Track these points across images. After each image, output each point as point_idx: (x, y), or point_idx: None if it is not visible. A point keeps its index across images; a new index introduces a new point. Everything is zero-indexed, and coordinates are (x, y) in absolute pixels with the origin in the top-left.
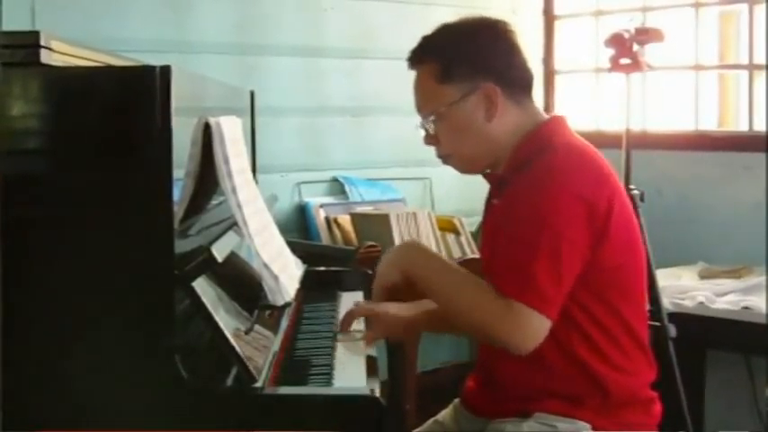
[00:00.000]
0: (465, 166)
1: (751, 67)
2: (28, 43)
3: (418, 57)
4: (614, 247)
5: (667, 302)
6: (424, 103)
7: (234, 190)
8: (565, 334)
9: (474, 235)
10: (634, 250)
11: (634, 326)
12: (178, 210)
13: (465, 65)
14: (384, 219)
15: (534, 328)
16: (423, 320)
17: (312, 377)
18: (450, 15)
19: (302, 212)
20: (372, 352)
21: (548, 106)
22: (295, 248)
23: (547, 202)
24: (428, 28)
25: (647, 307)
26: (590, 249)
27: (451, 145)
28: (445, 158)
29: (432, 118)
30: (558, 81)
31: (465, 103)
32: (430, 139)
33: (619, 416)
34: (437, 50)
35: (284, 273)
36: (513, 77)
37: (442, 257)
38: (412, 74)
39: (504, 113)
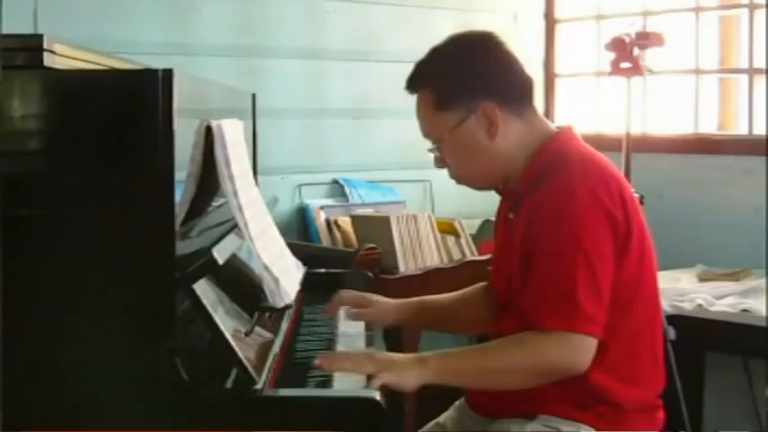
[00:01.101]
0: (478, 183)
1: (751, 71)
2: (31, 46)
3: (414, 85)
4: (633, 259)
5: (666, 305)
6: (428, 129)
7: (235, 193)
8: None
9: (474, 237)
10: (648, 261)
11: (649, 336)
12: (179, 212)
13: (459, 90)
14: (384, 221)
15: (588, 349)
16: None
17: (312, 379)
18: (450, 18)
19: (302, 214)
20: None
21: (548, 110)
22: (295, 250)
23: (575, 221)
24: (428, 31)
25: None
26: (616, 262)
27: (460, 167)
28: (457, 179)
29: (437, 146)
30: (559, 85)
31: (465, 126)
32: (441, 163)
33: (624, 423)
34: (430, 79)
35: (285, 275)
36: (510, 91)
37: (457, 352)
38: None
39: (507, 128)
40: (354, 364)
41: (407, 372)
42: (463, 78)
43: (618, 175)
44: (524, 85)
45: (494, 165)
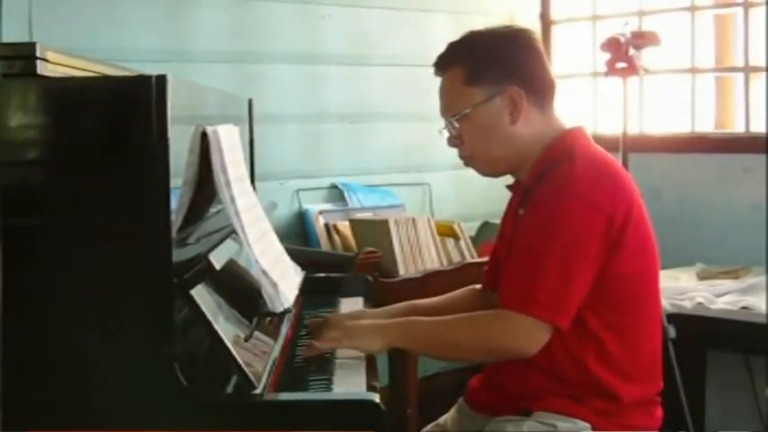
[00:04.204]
0: (487, 168)
1: (747, 69)
2: (24, 54)
3: (445, 61)
4: (627, 255)
5: (667, 303)
6: (450, 104)
7: (232, 198)
8: (576, 342)
9: (473, 239)
10: (647, 259)
11: (650, 334)
12: (176, 218)
13: (491, 68)
14: (383, 225)
15: (534, 333)
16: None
17: (312, 383)
18: (446, 21)
19: (302, 219)
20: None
21: None
22: (295, 255)
23: (562, 210)
24: (425, 34)
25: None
26: (603, 257)
27: (475, 145)
28: (467, 159)
29: (457, 118)
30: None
31: (490, 105)
32: (454, 140)
33: (620, 418)
34: (465, 54)
35: (283, 279)
36: (537, 83)
37: (418, 322)
38: (410, 80)
39: (528, 117)
40: (325, 340)
41: (369, 337)
42: (498, 58)
43: (624, 175)
44: (550, 84)
45: (508, 149)
